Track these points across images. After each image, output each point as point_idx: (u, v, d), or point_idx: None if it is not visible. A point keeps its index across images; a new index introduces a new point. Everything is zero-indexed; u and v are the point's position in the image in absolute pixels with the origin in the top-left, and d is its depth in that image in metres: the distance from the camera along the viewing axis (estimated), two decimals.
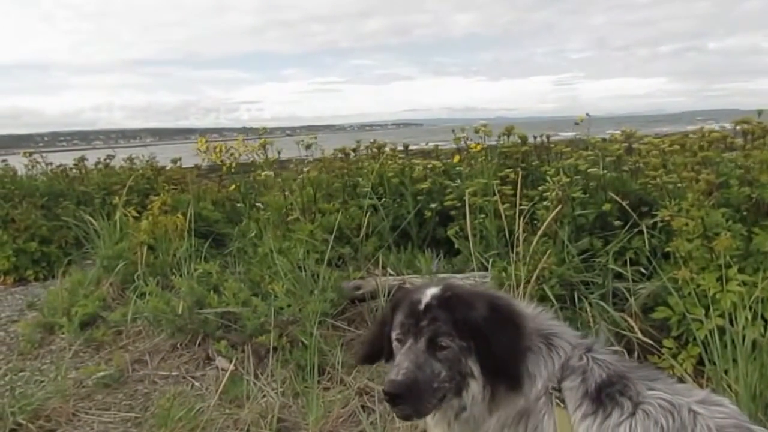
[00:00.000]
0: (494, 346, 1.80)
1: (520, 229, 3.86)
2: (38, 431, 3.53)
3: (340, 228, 5.01)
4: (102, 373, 4.13)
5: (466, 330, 1.82)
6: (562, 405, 1.76)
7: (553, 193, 4.16)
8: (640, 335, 3.35)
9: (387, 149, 6.41)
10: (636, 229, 3.95)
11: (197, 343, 4.39)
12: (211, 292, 4.43)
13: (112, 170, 8.41)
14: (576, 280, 3.83)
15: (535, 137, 5.53)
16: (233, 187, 6.99)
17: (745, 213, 3.65)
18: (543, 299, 3.53)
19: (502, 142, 5.45)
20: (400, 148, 6.54)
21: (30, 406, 3.64)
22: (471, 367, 1.82)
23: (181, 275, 4.74)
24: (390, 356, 1.95)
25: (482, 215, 4.61)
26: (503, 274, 3.84)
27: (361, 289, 4.57)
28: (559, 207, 3.95)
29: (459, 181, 5.33)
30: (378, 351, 2.02)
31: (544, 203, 4.24)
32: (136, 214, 6.11)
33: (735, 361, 2.84)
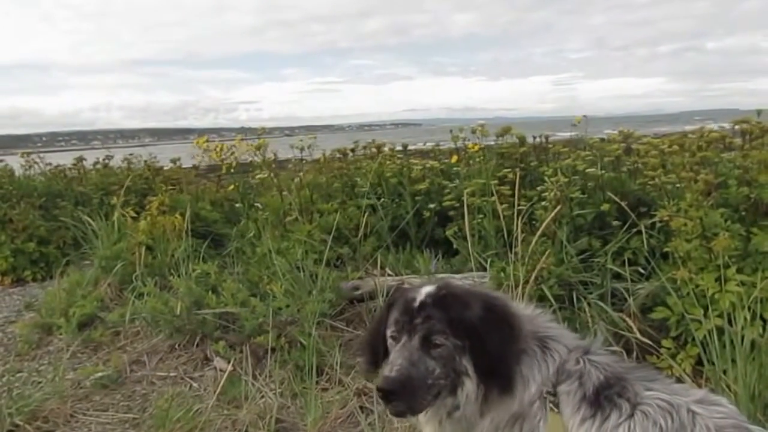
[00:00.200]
0: (488, 346, 1.80)
1: (519, 230, 3.86)
2: None
3: (338, 228, 5.00)
4: (100, 374, 4.13)
5: (460, 329, 1.82)
6: (556, 410, 1.75)
7: (552, 194, 4.16)
8: (638, 335, 3.34)
9: (385, 149, 6.41)
10: (634, 230, 3.94)
11: (195, 343, 4.38)
12: (210, 292, 4.42)
13: (110, 170, 8.40)
14: (574, 281, 3.83)
15: (534, 137, 5.54)
16: (231, 187, 6.99)
17: (743, 213, 3.65)
18: (542, 299, 3.53)
19: (500, 142, 5.45)
20: (399, 148, 6.54)
21: (27, 407, 3.63)
22: (465, 366, 1.82)
23: (179, 276, 4.74)
24: (386, 354, 1.94)
25: (481, 215, 4.61)
26: (502, 274, 3.84)
27: (359, 289, 4.57)
28: (558, 207, 3.95)
29: (457, 181, 5.33)
30: (379, 353, 2.00)
31: (543, 203, 4.23)
32: (134, 215, 6.10)
33: (734, 361, 2.84)
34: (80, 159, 8.44)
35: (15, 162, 8.65)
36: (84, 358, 4.55)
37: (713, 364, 2.96)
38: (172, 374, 4.18)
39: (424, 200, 5.44)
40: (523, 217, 4.00)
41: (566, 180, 4.23)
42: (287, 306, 4.14)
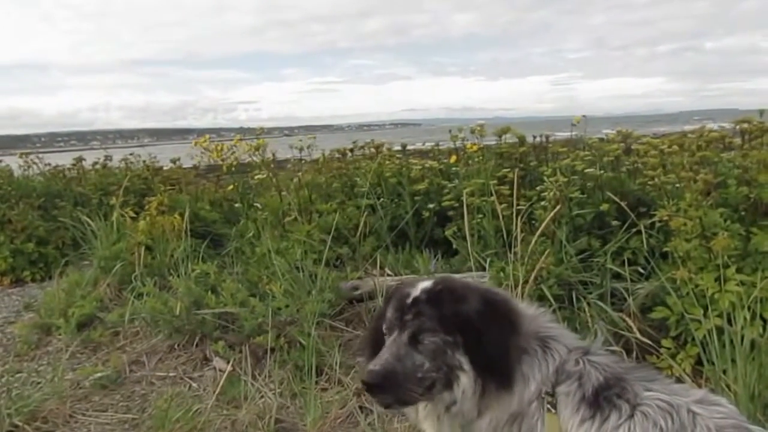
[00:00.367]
0: (485, 341, 1.79)
1: (518, 229, 3.86)
2: None
3: (337, 228, 5.00)
4: (99, 374, 4.12)
5: (453, 324, 1.81)
6: (553, 411, 1.75)
7: (551, 193, 4.16)
8: (638, 335, 3.34)
9: (384, 149, 6.40)
10: (634, 229, 3.94)
11: (195, 343, 4.37)
12: (209, 292, 4.42)
13: (109, 171, 8.39)
14: (574, 280, 3.82)
15: (534, 137, 5.54)
16: (230, 187, 6.99)
17: (743, 213, 3.64)
18: (541, 299, 3.52)
19: (501, 142, 5.45)
20: (398, 148, 6.53)
21: (27, 408, 3.63)
22: (459, 360, 1.81)
23: (178, 276, 4.73)
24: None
25: (480, 215, 4.60)
26: (501, 274, 3.83)
27: (359, 289, 4.57)
28: (557, 207, 3.95)
29: (457, 181, 5.33)
30: (379, 349, 1.99)
31: (542, 203, 4.23)
32: (134, 215, 6.09)
33: (734, 361, 2.84)
34: (79, 159, 8.43)
35: (14, 162, 8.65)
36: (83, 358, 4.54)
37: (713, 363, 2.95)
38: (171, 374, 4.18)
39: (423, 200, 5.43)
40: (522, 217, 4.00)
41: (565, 180, 4.23)
42: (286, 306, 4.14)
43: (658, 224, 3.85)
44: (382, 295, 4.20)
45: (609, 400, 1.72)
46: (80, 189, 7.77)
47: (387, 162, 6.04)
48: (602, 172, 4.50)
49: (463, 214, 4.10)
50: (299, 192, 5.55)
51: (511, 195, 4.20)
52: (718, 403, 1.72)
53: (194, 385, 4.02)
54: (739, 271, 3.25)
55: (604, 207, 4.19)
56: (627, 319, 3.47)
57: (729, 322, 2.98)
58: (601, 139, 5.38)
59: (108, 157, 8.62)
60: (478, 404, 1.84)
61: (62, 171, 8.40)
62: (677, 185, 3.98)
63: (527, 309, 2.00)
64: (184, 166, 8.14)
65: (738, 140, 4.11)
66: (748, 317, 2.93)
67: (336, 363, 3.81)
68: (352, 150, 6.62)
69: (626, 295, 3.66)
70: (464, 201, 4.19)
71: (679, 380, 2.95)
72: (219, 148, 7.03)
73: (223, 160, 6.96)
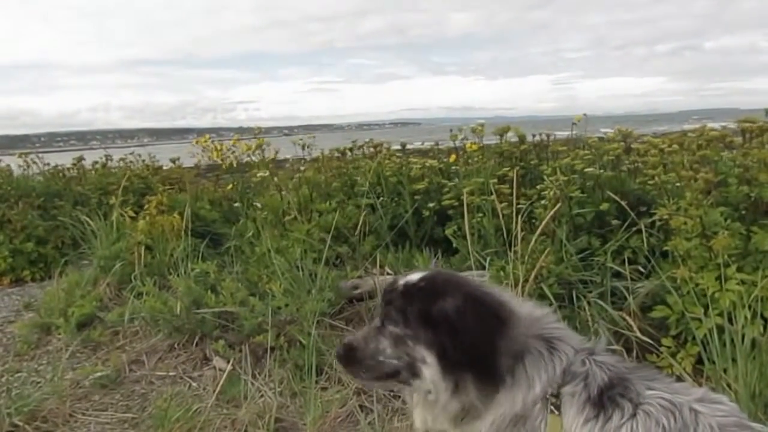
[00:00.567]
0: (461, 337, 1.78)
1: (518, 228, 3.85)
2: None
3: (337, 227, 5.00)
4: (99, 374, 4.12)
5: (418, 319, 1.84)
6: (556, 412, 1.74)
7: (551, 192, 4.16)
8: (638, 334, 3.34)
9: (384, 148, 6.40)
10: (634, 228, 3.94)
11: (194, 343, 4.37)
12: (209, 291, 4.41)
13: (108, 170, 8.40)
14: (574, 279, 3.82)
15: (534, 135, 5.54)
16: (230, 186, 6.99)
17: (743, 212, 3.64)
18: (541, 298, 3.52)
19: (502, 141, 5.45)
20: (397, 147, 6.53)
21: (27, 407, 3.62)
22: (422, 354, 1.84)
23: (178, 275, 4.73)
24: None
25: (480, 214, 4.60)
26: (501, 273, 3.83)
27: (358, 288, 4.57)
28: (557, 206, 3.95)
29: (457, 180, 5.33)
30: None
31: (542, 202, 4.23)
32: (133, 215, 6.09)
33: (734, 360, 2.83)
34: (80, 159, 8.44)
35: (13, 163, 8.65)
36: (83, 357, 4.54)
37: (713, 362, 2.95)
38: (171, 374, 4.18)
39: (423, 199, 5.43)
40: (522, 216, 3.99)
41: (566, 179, 4.23)
42: (286, 305, 4.14)
43: (658, 223, 3.85)
44: (381, 294, 4.19)
45: (612, 399, 1.72)
46: (80, 189, 7.77)
47: (387, 161, 6.04)
48: (602, 171, 4.50)
49: (463, 213, 4.10)
50: (299, 190, 5.55)
51: (511, 194, 4.20)
52: (719, 401, 1.72)
53: (194, 384, 4.01)
54: (739, 270, 3.24)
55: (604, 206, 4.19)
56: (627, 318, 3.46)
57: (729, 320, 2.98)
58: (601, 139, 5.38)
59: (108, 157, 8.62)
60: (453, 396, 1.84)
61: (62, 171, 8.40)
62: (677, 184, 3.97)
63: (533, 310, 1.97)
64: (184, 166, 8.15)
65: (738, 139, 4.10)
66: (748, 316, 2.92)
67: (336, 362, 3.81)
68: (351, 149, 6.62)
69: (626, 294, 3.66)
70: (464, 200, 4.19)
71: (680, 379, 2.95)
72: (219, 148, 7.04)
73: (222, 160, 6.97)
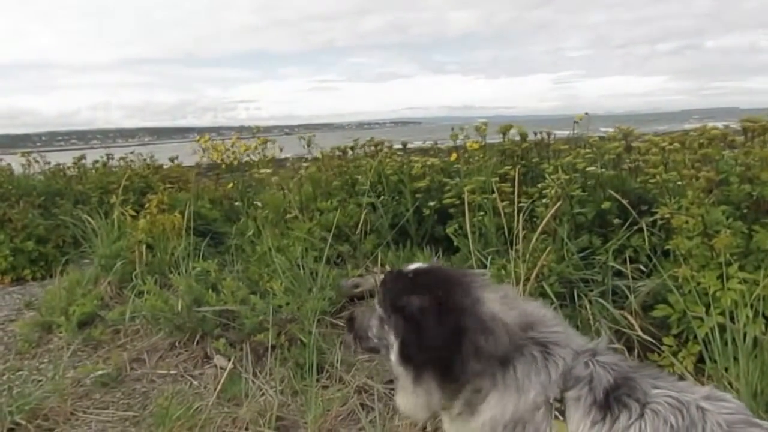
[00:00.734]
0: (421, 336, 1.84)
1: (520, 227, 3.85)
2: (36, 430, 3.51)
3: (338, 226, 5.00)
4: (100, 372, 4.12)
5: (391, 307, 1.96)
6: (561, 418, 1.73)
7: (552, 191, 4.16)
8: (640, 333, 3.33)
9: (385, 147, 6.41)
10: (635, 227, 3.94)
11: (195, 341, 4.37)
12: (210, 290, 4.41)
13: (109, 169, 8.40)
14: (575, 278, 3.82)
15: (536, 133, 5.53)
16: (230, 185, 7.00)
17: (745, 211, 3.64)
18: (542, 297, 3.52)
19: (505, 139, 5.45)
20: (398, 146, 6.53)
21: (28, 406, 3.62)
22: (390, 339, 1.95)
23: (179, 274, 4.73)
24: None
25: (481, 213, 4.60)
26: (502, 271, 3.83)
27: (359, 287, 4.57)
28: (558, 204, 3.95)
29: (458, 178, 5.33)
30: None
31: (544, 201, 4.23)
32: (134, 213, 6.10)
33: (736, 359, 2.83)
34: (81, 158, 8.44)
35: (14, 162, 8.66)
36: (84, 356, 4.54)
37: (715, 361, 2.95)
38: (172, 372, 4.18)
39: (424, 198, 5.43)
40: (524, 215, 3.99)
41: (567, 177, 4.22)
42: (287, 304, 4.14)
43: (659, 222, 3.85)
44: None
45: (619, 400, 1.71)
46: (80, 187, 7.78)
47: (388, 160, 6.04)
48: (603, 170, 4.50)
49: (465, 212, 4.10)
50: (301, 188, 5.55)
51: (513, 192, 4.20)
52: (724, 399, 1.71)
53: (195, 382, 4.01)
54: (741, 268, 3.24)
55: (606, 205, 4.19)
56: (629, 316, 3.46)
57: (731, 319, 2.98)
58: (602, 138, 5.38)
59: (109, 156, 8.63)
60: (425, 392, 1.89)
61: (63, 170, 8.41)
62: (679, 183, 3.97)
63: (531, 312, 1.95)
64: (185, 165, 8.15)
65: (740, 138, 4.10)
66: (750, 315, 2.92)
67: (337, 360, 3.82)
68: (353, 148, 6.62)
69: (628, 293, 3.65)
70: (465, 198, 4.19)
71: (681, 378, 2.94)
72: (221, 148, 7.05)
73: (222, 160, 6.98)
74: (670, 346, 3.31)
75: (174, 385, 3.95)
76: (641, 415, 1.66)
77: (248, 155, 6.93)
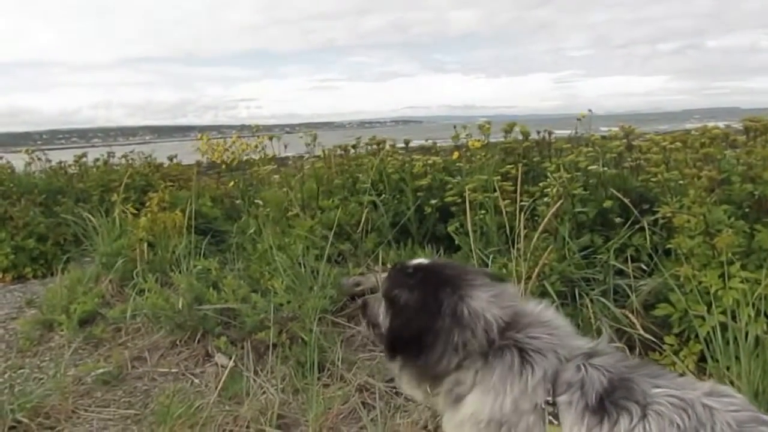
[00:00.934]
0: (401, 329, 1.98)
1: (521, 226, 3.85)
2: (38, 428, 3.51)
3: (339, 224, 5.00)
4: (101, 370, 4.12)
5: (388, 299, 2.08)
6: (555, 422, 1.70)
7: (554, 190, 4.16)
8: (641, 332, 3.33)
9: (387, 146, 6.40)
10: (637, 226, 3.93)
11: (197, 339, 4.37)
12: (211, 288, 4.42)
13: (110, 168, 8.40)
14: (577, 277, 3.82)
15: (539, 132, 5.53)
16: (232, 183, 7.00)
17: (747, 210, 3.64)
18: (544, 295, 3.52)
19: (506, 138, 5.44)
20: (400, 144, 6.53)
21: (29, 404, 3.62)
22: (386, 326, 2.08)
23: (180, 272, 4.73)
24: None
25: (483, 211, 4.60)
26: (504, 270, 3.83)
27: (360, 285, 4.57)
28: (559, 203, 3.95)
29: (459, 177, 5.32)
30: None
31: (545, 199, 4.23)
32: (135, 211, 6.10)
33: (737, 358, 2.83)
34: (82, 156, 8.44)
35: (14, 160, 8.65)
36: (85, 354, 4.54)
37: (717, 360, 2.95)
38: (173, 370, 4.18)
39: (425, 196, 5.43)
40: (525, 213, 3.99)
41: (568, 176, 4.22)
42: (288, 302, 4.14)
43: (661, 221, 3.85)
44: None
45: (615, 403, 1.66)
46: (81, 186, 7.77)
47: (389, 158, 6.04)
48: (605, 168, 4.50)
49: (466, 210, 4.09)
50: (303, 186, 5.55)
51: (514, 191, 4.19)
52: (728, 395, 1.66)
53: (196, 381, 4.02)
54: (743, 268, 3.23)
55: (607, 204, 4.19)
56: (630, 315, 3.46)
57: (733, 318, 2.98)
58: (604, 137, 5.38)
59: (110, 154, 8.63)
60: (408, 377, 2.05)
61: (64, 168, 8.40)
62: (680, 182, 3.97)
63: (524, 315, 1.94)
64: (187, 163, 8.14)
65: (742, 137, 4.09)
66: (752, 314, 2.91)
67: (338, 359, 3.82)
68: (354, 146, 6.62)
69: (629, 292, 3.65)
70: (467, 197, 4.18)
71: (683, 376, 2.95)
72: (220, 148, 7.04)
73: (222, 161, 6.98)
74: (672, 345, 3.31)
75: (175, 384, 3.95)
76: (644, 417, 1.61)
77: (247, 154, 6.93)
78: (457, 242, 4.77)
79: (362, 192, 5.57)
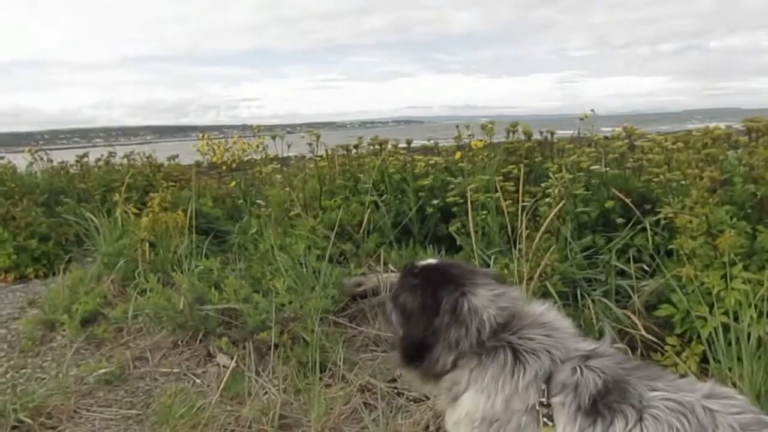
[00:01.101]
0: (404, 331, 2.04)
1: (523, 226, 3.85)
2: (40, 428, 3.52)
3: (341, 224, 5.00)
4: (103, 370, 4.12)
5: (394, 299, 2.13)
6: (550, 423, 1.70)
7: (556, 190, 4.15)
8: (643, 332, 3.33)
9: (388, 146, 6.40)
10: (639, 227, 3.93)
11: (198, 339, 4.37)
12: (212, 288, 4.42)
13: (112, 167, 8.41)
14: (579, 277, 3.82)
15: (541, 132, 5.53)
16: (233, 183, 7.00)
17: (749, 210, 3.63)
18: (545, 296, 3.52)
19: (509, 138, 5.44)
20: (402, 144, 6.53)
21: (31, 404, 3.63)
22: (395, 325, 2.12)
23: (181, 272, 4.72)
24: None
25: (484, 212, 4.59)
26: (505, 270, 3.83)
27: (362, 285, 4.57)
28: (562, 203, 3.94)
29: (461, 177, 5.32)
30: None
31: (547, 200, 4.22)
32: (137, 211, 6.10)
33: (740, 359, 2.83)
34: (83, 155, 8.45)
35: (16, 160, 8.67)
36: (87, 354, 4.55)
37: (719, 361, 2.94)
38: (175, 370, 4.18)
39: (427, 196, 5.42)
40: (527, 214, 3.99)
41: (570, 177, 4.22)
42: (290, 302, 4.14)
43: (663, 221, 3.84)
44: (385, 292, 4.20)
45: (608, 406, 1.64)
46: (83, 186, 7.79)
47: (391, 158, 6.03)
48: (607, 169, 4.49)
49: (468, 211, 4.09)
50: (305, 186, 5.55)
51: (516, 191, 4.19)
52: (728, 396, 1.63)
53: (198, 381, 4.02)
54: (745, 268, 3.22)
55: (609, 204, 4.19)
56: (632, 316, 3.45)
57: (735, 319, 2.97)
58: (606, 137, 5.37)
59: (112, 154, 8.64)
60: (412, 378, 2.11)
61: (66, 168, 8.42)
62: (682, 182, 3.97)
63: (522, 316, 1.93)
64: (185, 163, 8.15)
65: (744, 138, 4.09)
66: (754, 315, 2.91)
67: (340, 359, 3.82)
68: (356, 146, 6.62)
69: (631, 293, 3.65)
70: (468, 197, 4.18)
71: (684, 377, 2.94)
72: (220, 149, 7.05)
73: (223, 162, 6.98)
74: (674, 346, 3.30)
75: (177, 384, 3.96)
76: (639, 421, 1.58)
77: (248, 154, 6.93)
78: (458, 243, 4.77)
79: (364, 192, 5.57)
